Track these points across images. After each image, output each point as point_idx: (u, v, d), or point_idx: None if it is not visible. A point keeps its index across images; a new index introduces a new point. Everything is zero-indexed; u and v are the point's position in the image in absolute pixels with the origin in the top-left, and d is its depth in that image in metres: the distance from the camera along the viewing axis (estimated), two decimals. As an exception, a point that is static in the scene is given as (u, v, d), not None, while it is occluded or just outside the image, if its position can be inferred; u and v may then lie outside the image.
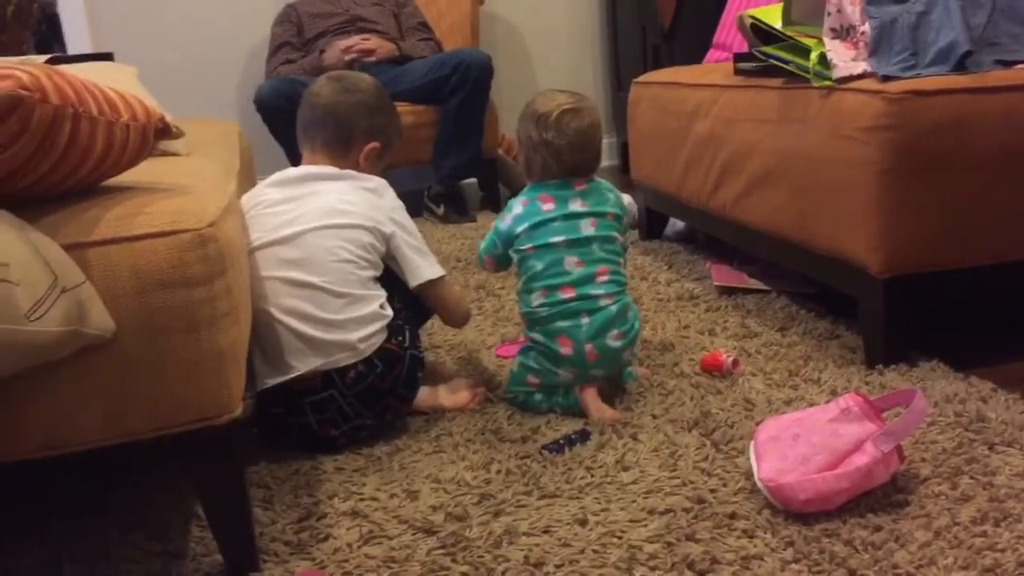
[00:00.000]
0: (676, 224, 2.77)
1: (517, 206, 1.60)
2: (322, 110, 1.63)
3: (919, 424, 1.25)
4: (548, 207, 1.57)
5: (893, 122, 1.50)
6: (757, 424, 1.38)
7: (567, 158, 1.57)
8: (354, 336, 1.47)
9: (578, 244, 1.55)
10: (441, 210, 3.37)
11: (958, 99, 1.50)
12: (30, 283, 0.95)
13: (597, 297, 1.53)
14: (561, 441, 1.44)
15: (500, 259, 1.66)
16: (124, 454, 1.13)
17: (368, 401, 1.49)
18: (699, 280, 2.27)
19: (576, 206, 1.57)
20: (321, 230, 1.50)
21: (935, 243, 1.56)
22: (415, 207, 3.43)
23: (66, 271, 1.01)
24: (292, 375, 1.46)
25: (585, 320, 1.52)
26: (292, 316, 1.45)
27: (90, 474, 1.48)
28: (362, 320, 1.48)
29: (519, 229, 1.58)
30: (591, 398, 1.54)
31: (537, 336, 1.56)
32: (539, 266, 1.56)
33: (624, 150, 3.94)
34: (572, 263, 1.54)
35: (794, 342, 1.79)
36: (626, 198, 2.89)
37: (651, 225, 2.76)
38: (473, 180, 3.63)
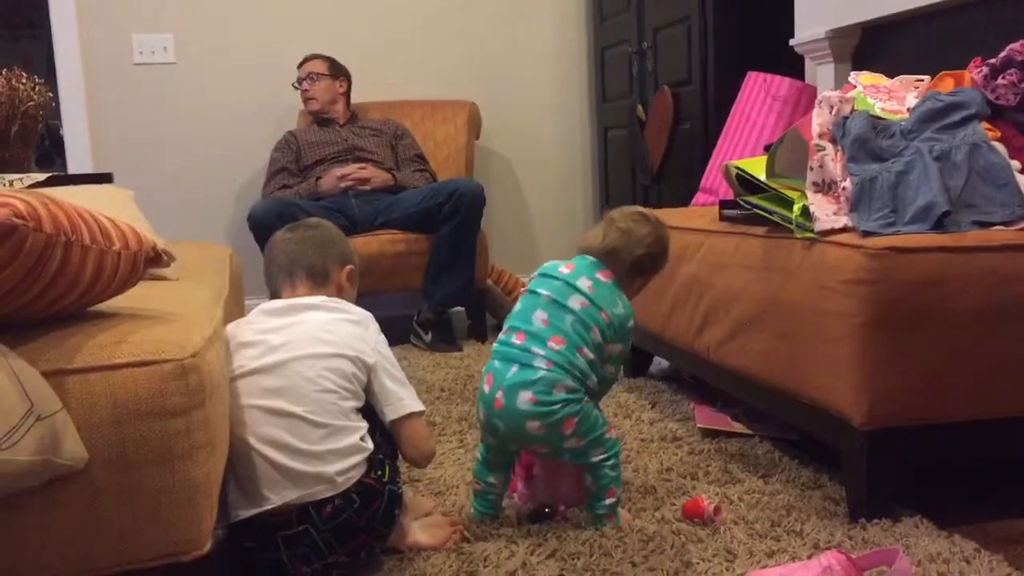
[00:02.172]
0: (661, 362, 2.78)
1: (550, 262, 1.70)
2: (295, 245, 1.67)
3: (902, 586, 1.22)
4: (564, 270, 1.65)
5: (874, 277, 1.52)
6: (738, 577, 1.35)
7: (611, 236, 1.67)
8: (332, 469, 1.44)
9: (556, 306, 1.60)
10: (429, 337, 3.38)
11: (937, 257, 1.54)
12: (4, 410, 0.95)
13: (536, 356, 1.56)
14: (537, 587, 1.41)
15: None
16: (85, 589, 1.09)
17: (343, 537, 1.45)
18: (682, 421, 2.26)
19: (583, 285, 1.62)
20: (304, 359, 1.49)
21: (917, 398, 1.56)
22: (403, 333, 3.45)
23: (43, 398, 1.00)
24: (266, 507, 1.42)
25: (514, 369, 1.56)
26: (270, 446, 1.43)
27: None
28: (341, 452, 1.46)
29: (536, 273, 1.69)
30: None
31: (484, 369, 1.64)
32: (518, 307, 1.65)
33: (612, 285, 3.98)
34: (540, 318, 1.59)
35: (777, 490, 1.77)
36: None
37: (636, 363, 2.77)
38: (461, 309, 3.66)
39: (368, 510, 1.46)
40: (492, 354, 1.63)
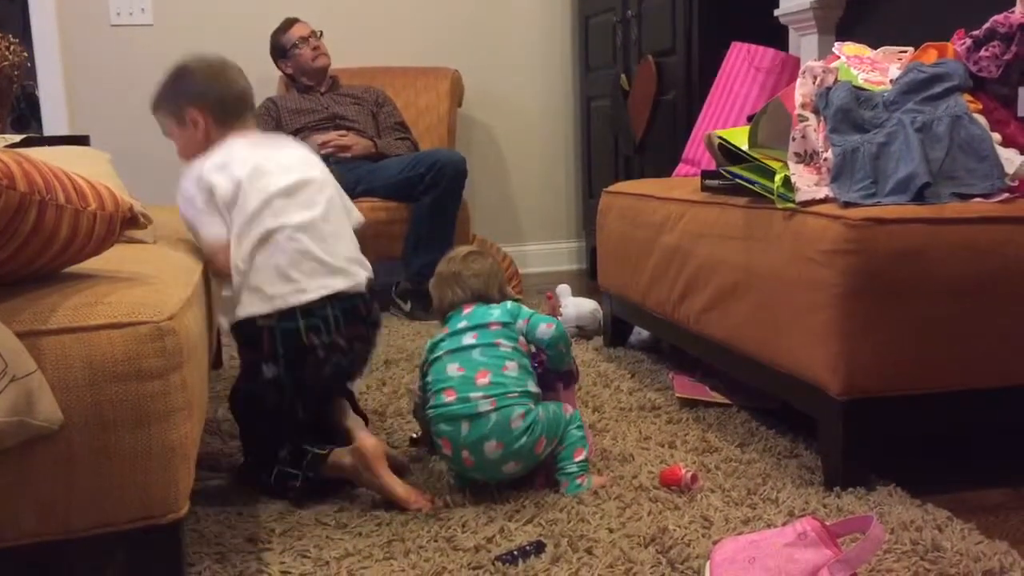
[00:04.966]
0: (641, 332, 2.79)
1: (427, 343, 1.76)
2: (242, 91, 1.85)
3: (875, 552, 1.24)
4: (442, 333, 1.72)
5: (853, 247, 1.53)
6: (714, 543, 1.36)
7: (469, 284, 1.76)
8: (366, 265, 1.79)
9: (459, 351, 1.66)
10: (408, 306, 3.37)
11: (917, 228, 1.54)
12: (-22, 370, 0.94)
13: (477, 401, 1.58)
14: (515, 552, 1.41)
15: (422, 390, 1.74)
16: (61, 551, 1.09)
17: (349, 320, 1.69)
18: (661, 390, 2.27)
19: (461, 325, 1.70)
20: (318, 181, 1.77)
21: (894, 368, 1.57)
22: (382, 302, 3.42)
23: (17, 359, 0.99)
24: (348, 284, 1.69)
25: (465, 427, 1.59)
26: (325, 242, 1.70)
27: (25, 572, 1.42)
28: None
29: (425, 356, 1.73)
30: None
31: (433, 434, 1.66)
32: (430, 377, 1.68)
33: (592, 255, 3.99)
34: (453, 369, 1.64)
35: (753, 459, 1.78)
36: (591, 304, 2.94)
37: (616, 333, 2.77)
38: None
39: (371, 305, 1.76)
40: (433, 419, 1.64)
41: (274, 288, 1.62)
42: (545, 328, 1.70)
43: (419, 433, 1.90)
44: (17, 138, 2.50)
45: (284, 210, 1.66)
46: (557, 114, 4.42)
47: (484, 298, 1.75)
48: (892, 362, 1.57)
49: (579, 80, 4.33)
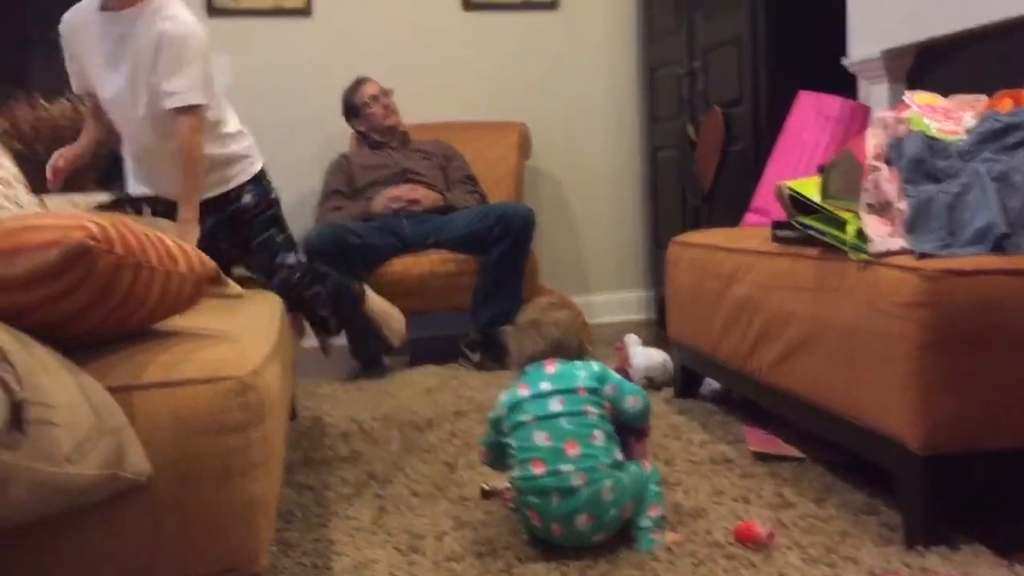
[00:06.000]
0: (712, 383, 2.76)
1: (502, 396, 1.72)
2: None
3: (961, 614, 1.20)
4: (524, 392, 1.68)
5: (930, 299, 1.51)
6: (792, 603, 1.33)
7: (549, 332, 1.75)
8: None
9: (546, 419, 1.62)
10: (477, 357, 3.38)
11: (995, 280, 1.51)
12: (72, 425, 0.98)
13: (568, 475, 1.57)
14: (588, 609, 1.41)
15: (492, 447, 1.74)
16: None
17: None
18: (733, 443, 2.24)
19: (545, 387, 1.66)
20: None
21: (976, 422, 1.53)
22: (451, 352, 3.46)
23: (109, 414, 1.03)
24: None
25: (555, 500, 1.57)
26: None
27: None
28: None
29: (502, 413, 1.69)
30: None
31: (520, 503, 1.65)
32: (514, 443, 1.65)
33: (660, 305, 3.97)
34: (541, 438, 1.61)
35: (831, 515, 1.74)
36: (661, 354, 2.92)
37: (686, 384, 2.75)
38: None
39: None
40: (521, 490, 1.63)
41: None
42: (633, 402, 1.69)
43: (491, 486, 1.90)
44: (103, 196, 2.61)
45: None
46: (624, 165, 4.44)
47: (563, 349, 1.74)
48: (973, 416, 1.53)
49: (645, 131, 4.36)
